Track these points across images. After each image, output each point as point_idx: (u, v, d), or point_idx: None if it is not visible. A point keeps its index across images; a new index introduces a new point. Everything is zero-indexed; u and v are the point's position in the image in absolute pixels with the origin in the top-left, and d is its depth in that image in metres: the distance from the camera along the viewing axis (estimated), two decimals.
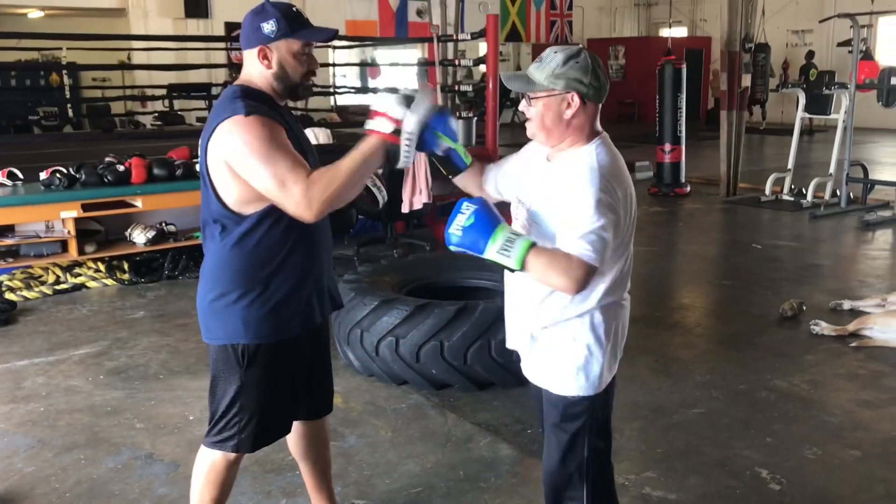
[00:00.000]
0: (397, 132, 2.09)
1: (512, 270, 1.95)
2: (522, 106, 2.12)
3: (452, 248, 1.98)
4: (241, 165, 2.09)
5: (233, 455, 2.38)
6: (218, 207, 2.21)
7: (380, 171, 2.47)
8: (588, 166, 2.00)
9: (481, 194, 2.28)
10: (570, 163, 2.04)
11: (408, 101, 2.11)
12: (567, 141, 2.07)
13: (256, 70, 2.22)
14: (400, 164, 2.14)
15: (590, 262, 1.91)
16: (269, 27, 2.17)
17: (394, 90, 11.89)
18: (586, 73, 2.01)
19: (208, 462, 2.40)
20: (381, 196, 2.49)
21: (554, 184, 2.04)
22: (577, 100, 2.02)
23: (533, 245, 1.92)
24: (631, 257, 2.15)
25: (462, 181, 2.35)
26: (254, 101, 2.14)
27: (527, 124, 2.12)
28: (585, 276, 1.91)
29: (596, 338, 2.10)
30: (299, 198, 2.03)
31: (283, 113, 2.26)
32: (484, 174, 2.33)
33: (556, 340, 2.12)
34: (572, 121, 2.04)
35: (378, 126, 2.10)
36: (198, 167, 6.39)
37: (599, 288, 2.07)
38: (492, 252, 1.92)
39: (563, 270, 1.91)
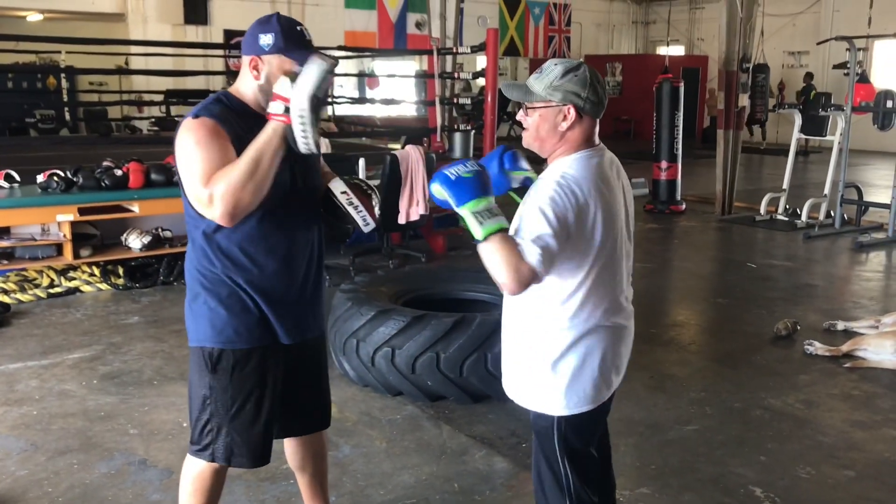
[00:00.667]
0: (288, 110, 2.05)
1: (473, 240, 1.94)
2: (520, 115, 2.13)
3: (436, 187, 1.99)
4: (179, 166, 2.14)
5: (216, 464, 2.37)
6: (191, 211, 2.21)
7: (369, 185, 2.41)
8: (555, 175, 2.02)
9: None
10: (547, 173, 2.07)
11: (293, 77, 2.05)
12: (558, 151, 2.09)
13: (246, 78, 2.23)
14: (300, 147, 2.08)
15: (536, 266, 1.90)
16: (265, 40, 2.17)
17: (390, 100, 11.84)
18: (584, 87, 2.03)
19: (194, 470, 2.39)
20: (363, 221, 2.35)
21: (529, 192, 2.08)
22: (573, 113, 2.03)
23: (505, 230, 1.94)
24: (621, 277, 2.13)
25: None
26: (218, 107, 2.17)
27: (523, 134, 2.13)
28: (528, 281, 1.91)
29: (565, 357, 2.08)
30: (203, 196, 2.05)
31: (255, 124, 2.13)
32: None
33: (530, 356, 2.13)
34: (567, 133, 2.06)
35: (272, 109, 2.08)
36: None
37: (577, 306, 2.06)
38: (467, 211, 1.93)
39: (513, 267, 1.90)
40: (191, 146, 2.10)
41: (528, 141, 2.12)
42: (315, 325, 2.44)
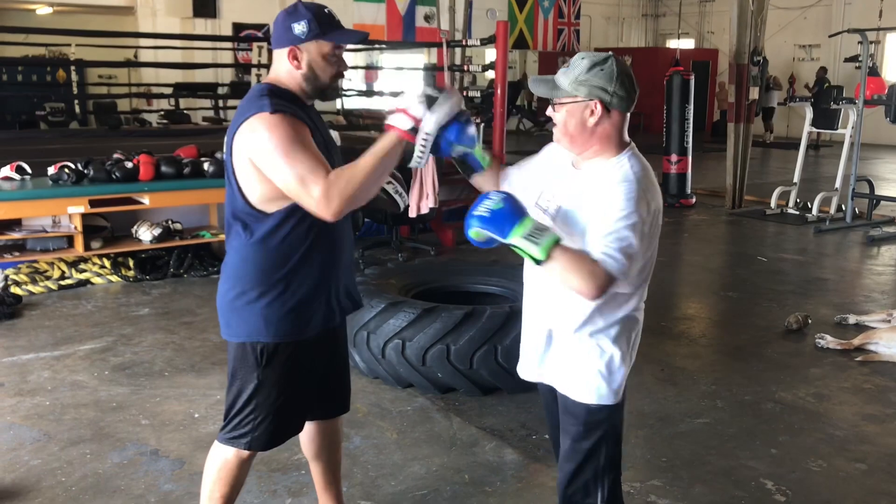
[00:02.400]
0: (415, 130, 2.10)
1: (535, 261, 1.90)
2: (549, 111, 2.11)
3: (474, 230, 1.94)
4: (265, 163, 2.09)
5: (245, 453, 2.38)
6: (242, 205, 2.21)
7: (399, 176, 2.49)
8: (623, 178, 1.97)
9: None
10: (601, 173, 2.02)
11: (430, 100, 2.10)
12: (593, 149, 2.05)
13: (285, 69, 2.22)
14: (412, 164, 2.15)
15: (615, 272, 1.89)
16: (300, 28, 2.17)
17: (399, 93, 11.93)
18: (610, 82, 1.99)
19: (221, 458, 2.40)
20: (403, 201, 2.47)
21: (584, 192, 2.02)
22: (599, 108, 2.00)
23: (560, 240, 1.91)
24: (651, 269, 2.14)
25: (478, 181, 2.35)
26: (280, 100, 2.15)
27: (553, 129, 2.11)
28: (607, 285, 1.90)
29: (620, 347, 2.10)
30: (319, 196, 2.03)
31: (309, 113, 2.26)
32: (501, 174, 2.33)
33: (581, 347, 2.11)
34: (596, 129, 2.02)
35: (398, 122, 2.11)
36: (206, 165, 6.43)
37: (630, 299, 2.08)
38: (518, 237, 1.88)
39: (587, 274, 1.88)
40: (282, 143, 2.06)
41: (559, 137, 2.09)
42: (357, 302, 2.50)
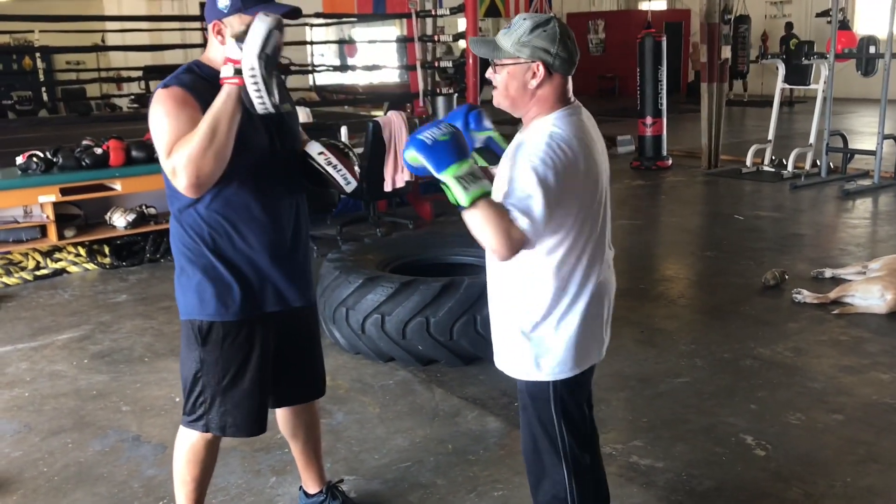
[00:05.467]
0: (239, 72, 2.00)
1: (458, 206, 1.87)
2: (489, 73, 2.05)
3: (411, 154, 1.91)
4: (152, 134, 2.11)
5: (209, 435, 2.37)
6: (166, 181, 2.18)
7: (346, 145, 2.40)
8: (542, 136, 1.94)
9: None
10: (532, 133, 2.00)
11: (240, 36, 2.02)
12: (533, 111, 2.02)
13: (213, 45, 2.19)
14: (256, 108, 2.02)
15: (524, 230, 1.86)
16: (223, 2, 2.12)
17: (371, 67, 11.68)
18: (553, 43, 1.95)
19: (188, 442, 2.41)
20: (344, 179, 2.33)
21: (516, 152, 2.00)
22: (542, 70, 1.96)
23: (489, 193, 1.88)
24: (596, 238, 2.07)
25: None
26: (189, 76, 2.14)
27: (493, 92, 2.06)
28: (519, 245, 1.88)
29: (559, 324, 2.06)
30: (169, 168, 2.04)
31: None
32: None
33: (509, 325, 2.11)
34: (537, 91, 1.99)
35: (224, 72, 2.04)
36: None
37: (566, 269, 2.03)
38: (449, 176, 1.86)
39: (503, 231, 1.85)
40: (160, 117, 2.08)
41: (499, 100, 2.05)
42: (304, 293, 2.41)
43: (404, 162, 1.99)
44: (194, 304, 2.26)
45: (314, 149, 2.32)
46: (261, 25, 1.97)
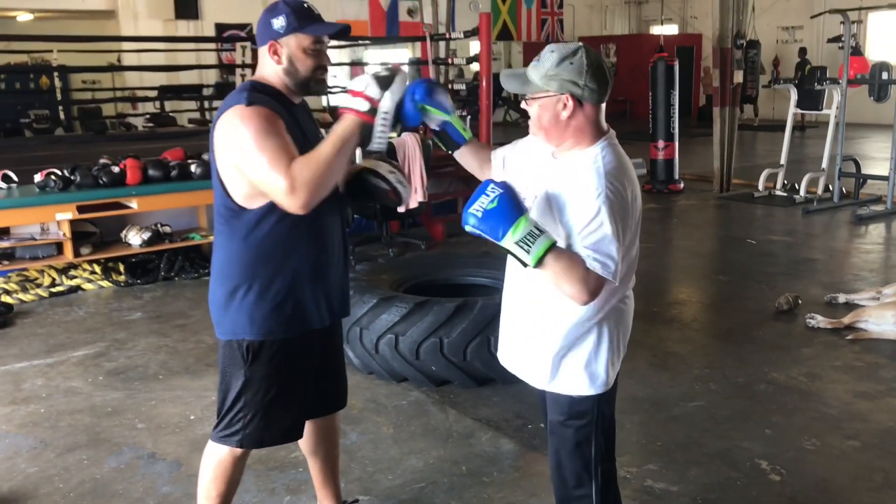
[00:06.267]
0: (373, 111, 2.12)
1: (525, 265, 1.89)
2: (524, 105, 2.10)
3: (468, 228, 1.93)
4: (239, 155, 2.11)
5: (239, 451, 2.39)
6: (225, 201, 2.22)
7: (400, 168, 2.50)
8: (594, 171, 1.95)
9: (483, 173, 2.29)
10: (575, 165, 2.01)
11: (384, 80, 2.14)
12: (570, 142, 2.04)
13: (269, 66, 2.24)
14: (373, 146, 2.17)
15: (605, 276, 1.90)
16: (278, 23, 2.18)
17: (370, 73, 11.95)
18: (581, 75, 1.96)
19: (215, 457, 2.41)
20: (406, 192, 2.43)
21: (560, 184, 2.00)
22: (571, 102, 1.98)
23: (554, 245, 1.88)
24: (636, 256, 2.14)
25: (462, 158, 2.34)
26: (259, 94, 2.16)
27: (529, 122, 2.11)
28: (599, 289, 1.91)
29: (599, 338, 2.09)
30: (284, 185, 2.04)
31: (293, 110, 2.26)
32: (493, 155, 2.30)
33: (560, 340, 2.09)
34: (570, 122, 2.00)
35: (355, 105, 2.12)
36: (193, 168, 6.42)
37: (614, 289, 2.05)
38: (510, 242, 1.87)
39: (579, 280, 1.88)
40: (253, 134, 2.07)
41: (534, 130, 2.08)
42: (346, 306, 2.49)
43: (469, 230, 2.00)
44: (242, 322, 2.27)
45: (383, 167, 2.38)
46: (403, 81, 2.17)
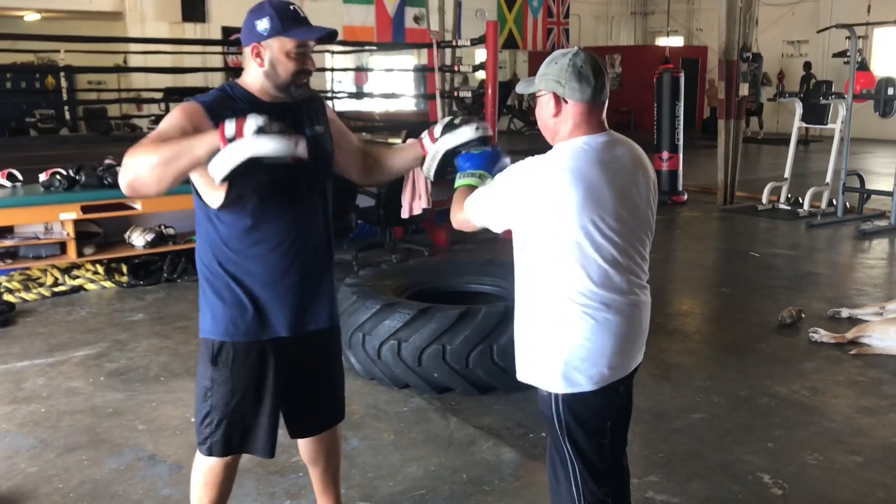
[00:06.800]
0: (230, 140, 1.91)
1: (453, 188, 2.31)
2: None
3: (458, 160, 2.36)
4: None
5: (229, 457, 2.38)
6: (196, 200, 2.24)
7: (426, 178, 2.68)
8: (530, 158, 2.08)
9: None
10: None
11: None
12: (556, 138, 2.12)
13: (252, 68, 2.22)
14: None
15: (469, 209, 2.18)
16: (262, 25, 2.16)
17: (390, 95, 11.85)
18: (561, 73, 2.05)
19: (205, 465, 2.40)
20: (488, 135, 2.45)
21: None
22: (553, 100, 2.08)
23: (475, 189, 2.22)
24: (627, 265, 2.11)
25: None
26: (214, 95, 2.18)
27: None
28: (464, 218, 2.22)
29: (562, 335, 2.08)
30: (127, 156, 2.01)
31: (256, 108, 2.09)
32: None
33: (534, 335, 2.14)
34: (556, 119, 2.10)
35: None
36: None
37: (568, 284, 2.05)
38: (463, 174, 2.31)
39: (457, 203, 2.24)
40: (164, 120, 2.13)
41: (540, 130, 2.20)
42: (321, 317, 2.39)
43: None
44: (208, 322, 2.29)
45: (466, 133, 2.39)
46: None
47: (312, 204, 2.33)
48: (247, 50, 2.21)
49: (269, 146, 1.89)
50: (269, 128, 1.90)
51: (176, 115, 2.11)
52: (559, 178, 1.99)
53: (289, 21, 2.17)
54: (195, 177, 2.17)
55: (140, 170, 1.95)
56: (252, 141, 1.88)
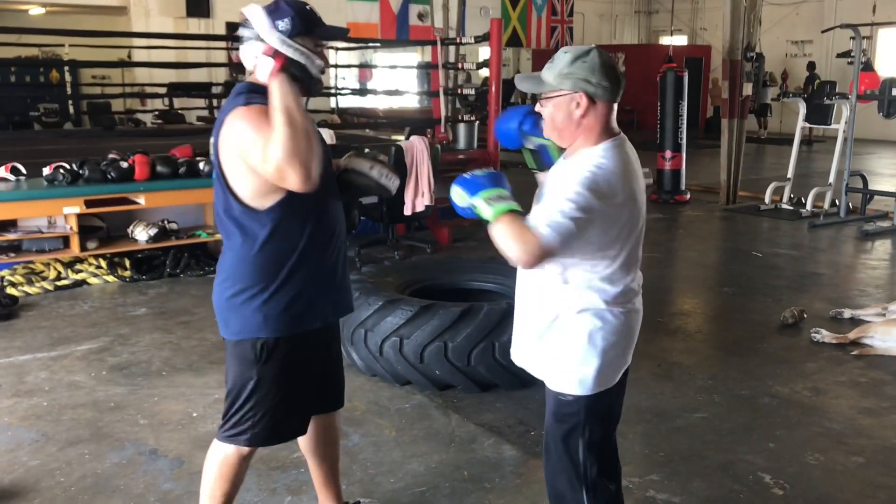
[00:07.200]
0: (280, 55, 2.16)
1: (487, 222, 2.01)
2: (537, 107, 2.14)
3: (453, 190, 2.07)
4: (243, 148, 2.13)
5: (245, 449, 2.39)
6: (234, 204, 2.22)
7: (374, 153, 2.55)
8: (590, 166, 2.00)
9: None
10: (579, 162, 2.05)
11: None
12: (579, 140, 2.08)
13: (266, 67, 2.20)
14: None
15: (545, 241, 1.91)
16: (283, 25, 2.17)
17: (394, 91, 11.93)
18: (593, 73, 2.01)
19: (221, 456, 2.41)
20: (391, 183, 2.47)
21: (560, 179, 2.05)
22: (585, 100, 2.02)
23: (516, 212, 1.98)
24: (636, 264, 2.16)
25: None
26: (255, 95, 2.18)
27: (542, 124, 2.13)
28: (538, 252, 1.92)
29: (592, 339, 2.09)
30: (275, 170, 2.04)
31: None
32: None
33: (556, 336, 2.13)
34: (582, 120, 2.04)
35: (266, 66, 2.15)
36: (202, 165, 6.42)
37: (600, 289, 2.08)
38: (479, 199, 2.00)
39: (518, 238, 1.93)
40: (252, 125, 2.10)
41: (547, 132, 2.13)
42: (349, 303, 2.52)
43: (451, 202, 2.11)
44: (256, 322, 2.28)
45: (364, 164, 2.43)
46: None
47: (335, 200, 2.42)
48: (259, 47, 2.18)
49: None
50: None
51: (264, 117, 2.09)
52: (622, 182, 2.01)
53: (309, 21, 2.21)
54: (240, 175, 2.17)
55: (302, 153, 2.02)
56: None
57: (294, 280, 2.28)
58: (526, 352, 2.25)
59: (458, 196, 2.06)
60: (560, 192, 1.97)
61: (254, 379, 2.32)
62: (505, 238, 1.95)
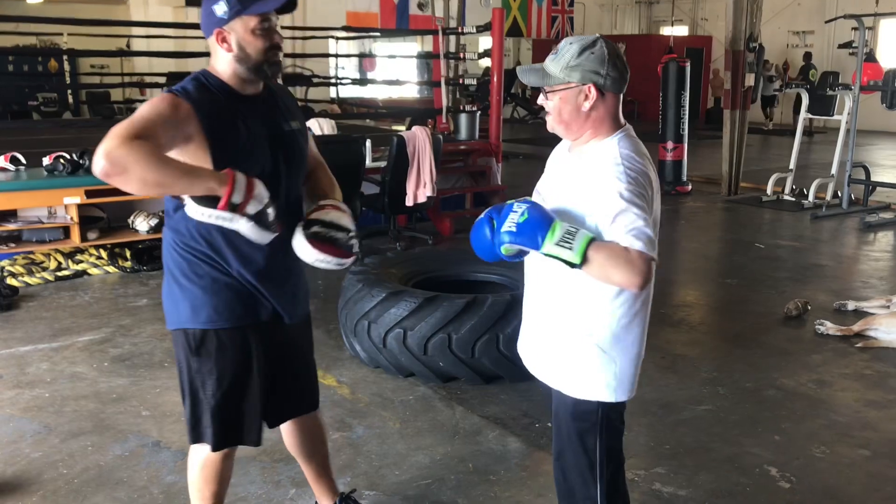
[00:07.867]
0: (233, 207, 1.97)
1: (571, 265, 1.83)
2: (541, 100, 2.06)
3: (505, 248, 1.90)
4: None
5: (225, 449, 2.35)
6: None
7: (331, 225, 2.23)
8: (613, 161, 1.93)
9: None
10: (593, 157, 1.98)
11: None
12: (588, 133, 2.01)
13: (220, 56, 2.14)
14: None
15: (648, 253, 1.82)
16: (220, 9, 2.08)
17: (394, 81, 11.91)
18: (602, 64, 1.95)
19: (200, 458, 2.37)
20: (335, 264, 2.23)
21: (578, 177, 1.98)
22: (594, 91, 1.96)
23: (593, 238, 1.84)
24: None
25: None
26: (194, 85, 2.10)
27: (546, 117, 2.06)
28: (648, 268, 1.82)
29: (617, 343, 2.04)
30: (105, 141, 1.86)
31: (245, 102, 2.16)
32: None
33: (575, 342, 2.05)
34: (591, 113, 1.98)
35: (238, 193, 1.98)
36: None
37: (619, 294, 2.01)
38: (550, 245, 1.83)
39: (626, 264, 1.81)
40: (144, 107, 2.00)
41: (552, 125, 2.04)
42: (298, 309, 2.39)
43: (500, 256, 1.94)
44: (186, 311, 2.22)
45: (303, 250, 2.19)
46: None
47: (293, 194, 2.30)
48: (211, 39, 2.12)
49: (256, 234, 2.02)
50: (266, 216, 2.01)
51: (163, 108, 1.99)
52: (650, 171, 1.98)
53: None
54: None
55: (132, 171, 1.86)
56: (246, 223, 1.99)
57: (220, 269, 2.19)
58: (544, 362, 2.16)
59: (512, 250, 1.90)
60: (610, 199, 1.87)
61: (190, 371, 2.27)
62: (608, 269, 1.83)
